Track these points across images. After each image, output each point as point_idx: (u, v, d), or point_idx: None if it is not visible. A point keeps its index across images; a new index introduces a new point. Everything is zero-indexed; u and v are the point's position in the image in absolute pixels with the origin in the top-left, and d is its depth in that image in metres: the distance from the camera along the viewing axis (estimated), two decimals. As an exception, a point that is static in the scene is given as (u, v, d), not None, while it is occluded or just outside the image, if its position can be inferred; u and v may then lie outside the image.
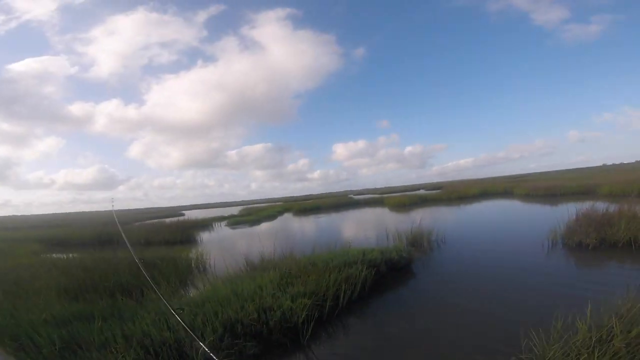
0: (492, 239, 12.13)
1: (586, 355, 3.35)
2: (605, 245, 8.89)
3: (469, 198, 33.11)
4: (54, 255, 13.18)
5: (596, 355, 3.30)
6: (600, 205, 10.90)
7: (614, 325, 3.59)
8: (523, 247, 9.92)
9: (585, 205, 11.07)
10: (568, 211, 10.76)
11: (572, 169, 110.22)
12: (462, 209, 25.06)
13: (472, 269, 8.25)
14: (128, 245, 8.03)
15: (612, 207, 10.55)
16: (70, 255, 11.62)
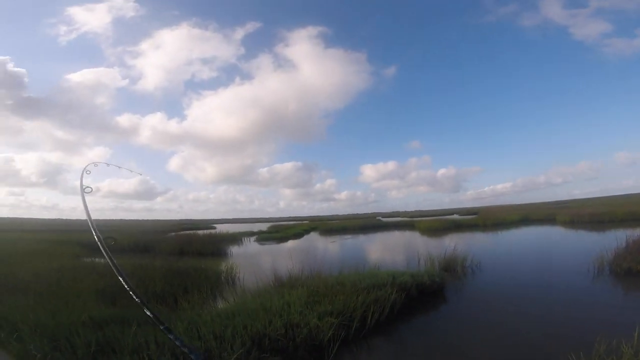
0: (532, 265, 11.50)
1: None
2: None
3: (507, 224, 31.47)
4: (94, 259, 13.94)
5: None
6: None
7: None
8: (565, 273, 9.40)
9: (635, 232, 10.36)
10: (616, 238, 10.11)
11: (622, 194, 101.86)
12: (499, 235, 23.88)
13: (509, 295, 7.87)
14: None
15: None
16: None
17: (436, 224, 32.54)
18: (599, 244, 11.03)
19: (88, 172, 3.24)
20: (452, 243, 12.60)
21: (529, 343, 5.12)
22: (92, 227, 2.49)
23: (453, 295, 8.23)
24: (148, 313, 1.84)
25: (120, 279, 2.10)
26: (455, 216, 51.62)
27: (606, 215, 26.72)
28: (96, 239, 2.38)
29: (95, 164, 3.46)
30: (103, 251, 2.32)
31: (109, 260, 2.26)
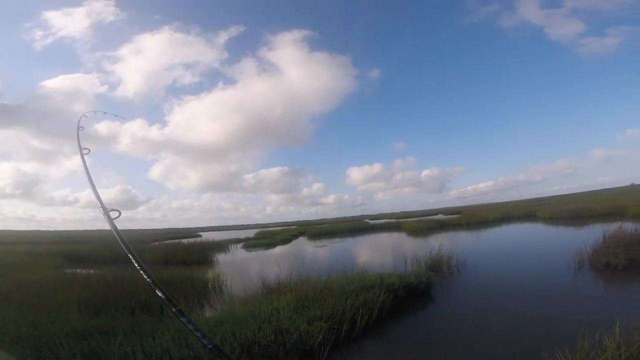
0: (515, 262, 11.82)
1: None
2: (635, 266, 8.62)
3: (489, 222, 32.19)
4: (76, 270, 13.53)
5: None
6: (629, 226, 10.58)
7: None
8: (548, 269, 9.69)
9: (612, 227, 10.77)
10: (594, 233, 10.50)
11: (598, 189, 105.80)
12: (483, 233, 24.40)
13: (494, 292, 8.06)
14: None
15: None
16: (92, 271, 11.92)
17: (421, 224, 32.98)
18: (578, 239, 11.41)
19: (82, 128, 3.12)
20: (438, 243, 12.79)
21: (515, 339, 5.24)
22: (97, 196, 2.41)
23: (440, 294, 8.36)
24: (159, 294, 1.80)
25: (130, 257, 2.02)
26: (440, 216, 52.47)
27: (584, 210, 27.75)
28: (101, 210, 2.30)
29: (94, 112, 3.29)
30: (109, 224, 2.23)
31: (115, 234, 2.17)
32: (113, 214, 2.37)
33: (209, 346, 1.58)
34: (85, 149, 2.89)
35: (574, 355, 3.71)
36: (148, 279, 1.86)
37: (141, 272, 1.92)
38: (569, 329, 5.03)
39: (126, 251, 2.08)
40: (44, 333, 5.06)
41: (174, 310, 1.72)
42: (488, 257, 13.14)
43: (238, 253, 23.95)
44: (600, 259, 9.12)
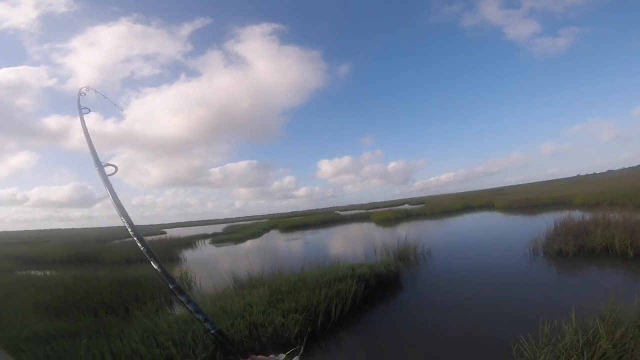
0: (476, 250, 12.40)
1: (576, 356, 3.49)
2: (584, 252, 9.30)
3: (451, 212, 33.69)
4: (30, 272, 12.57)
5: (585, 356, 3.44)
6: (577, 215, 11.46)
7: (599, 328, 3.75)
8: (505, 257, 10.23)
9: (562, 215, 11.63)
10: (546, 221, 11.24)
11: (548, 180, 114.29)
12: (445, 222, 25.47)
13: (458, 279, 8.44)
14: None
15: (588, 216, 11.12)
16: (48, 272, 11.13)
17: (389, 214, 33.84)
18: (532, 228, 12.22)
19: (83, 94, 2.84)
20: (405, 232, 13.20)
21: (479, 324, 5.51)
22: (93, 152, 2.10)
23: (408, 282, 8.64)
24: (154, 265, 1.62)
25: (123, 220, 1.81)
26: (406, 206, 54.16)
27: (536, 200, 29.80)
28: (95, 166, 2.00)
29: (95, 91, 3.02)
30: (103, 181, 1.94)
31: (109, 193, 1.92)
32: (108, 170, 2.04)
33: (212, 331, 1.48)
34: (85, 108, 2.62)
35: (536, 341, 3.93)
36: (142, 247, 1.69)
37: (135, 238, 1.74)
38: (528, 313, 5.29)
39: (120, 214, 1.86)
40: (1, 338, 4.71)
41: (171, 287, 1.56)
42: (451, 246, 13.73)
43: (206, 249, 23.34)
44: (553, 246, 9.69)
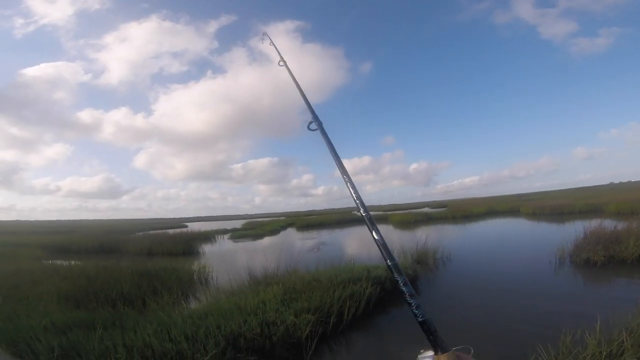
0: (499, 256, 11.97)
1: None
2: (614, 262, 8.81)
3: (474, 216, 32.78)
4: (56, 261, 13.15)
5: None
6: (608, 223, 10.84)
7: (625, 340, 3.53)
8: (529, 264, 9.82)
9: (592, 224, 11.01)
10: (575, 229, 10.71)
11: (579, 187, 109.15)
12: (467, 227, 24.81)
13: (478, 286, 8.13)
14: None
15: (620, 225, 10.50)
16: (73, 262, 11.59)
17: (408, 217, 33.35)
18: (559, 235, 11.67)
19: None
20: (424, 236, 12.89)
21: (497, 333, 5.28)
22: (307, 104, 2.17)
23: (425, 287, 8.42)
24: (375, 236, 1.57)
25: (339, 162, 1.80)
26: (427, 209, 53.10)
27: (565, 207, 28.43)
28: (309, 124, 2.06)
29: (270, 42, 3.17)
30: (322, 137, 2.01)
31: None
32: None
33: (420, 319, 1.41)
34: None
35: (557, 352, 3.74)
36: (364, 214, 1.64)
37: (358, 203, 1.72)
38: (551, 324, 5.10)
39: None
40: (20, 326, 4.88)
41: (389, 263, 1.48)
42: (472, 251, 13.33)
43: (225, 244, 23.73)
44: (581, 255, 9.26)
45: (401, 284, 1.40)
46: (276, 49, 2.86)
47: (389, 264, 1.42)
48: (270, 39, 3.13)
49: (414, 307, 1.36)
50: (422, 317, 1.40)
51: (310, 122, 2.09)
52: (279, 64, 2.75)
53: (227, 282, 8.23)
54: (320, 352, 5.06)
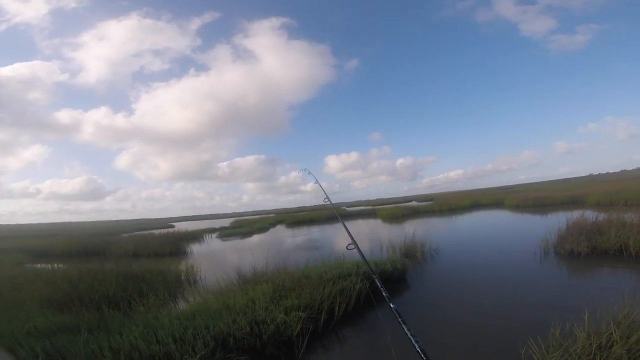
0: (485, 248, 12.14)
1: (588, 363, 3.32)
2: (597, 253, 9.02)
3: (460, 209, 33.31)
4: (38, 265, 12.75)
5: (599, 362, 3.27)
6: (590, 215, 11.12)
7: (613, 332, 3.59)
8: (515, 256, 9.98)
9: (574, 215, 11.29)
10: (558, 221, 10.95)
11: (560, 179, 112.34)
12: (454, 220, 25.17)
13: (466, 279, 8.22)
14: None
15: (601, 216, 10.79)
16: (55, 266, 11.24)
17: (396, 211, 33.59)
18: (543, 227, 11.90)
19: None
20: (412, 229, 13.02)
21: (486, 325, 5.35)
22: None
23: (414, 281, 8.48)
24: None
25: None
26: (414, 203, 53.76)
27: (548, 199, 29.20)
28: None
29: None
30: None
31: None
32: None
33: (417, 348, 1.42)
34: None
35: (547, 345, 3.79)
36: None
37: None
38: (539, 316, 5.18)
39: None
40: (2, 332, 4.73)
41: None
42: (459, 244, 13.51)
43: (213, 243, 23.46)
44: (565, 246, 9.43)
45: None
46: (320, 186, 3.09)
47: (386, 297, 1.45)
48: (316, 179, 3.35)
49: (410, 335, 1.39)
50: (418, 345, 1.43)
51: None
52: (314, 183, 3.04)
53: (215, 281, 8.11)
54: (312, 349, 5.03)
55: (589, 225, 10.00)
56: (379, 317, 6.18)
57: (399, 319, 1.46)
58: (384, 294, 1.45)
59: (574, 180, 76.40)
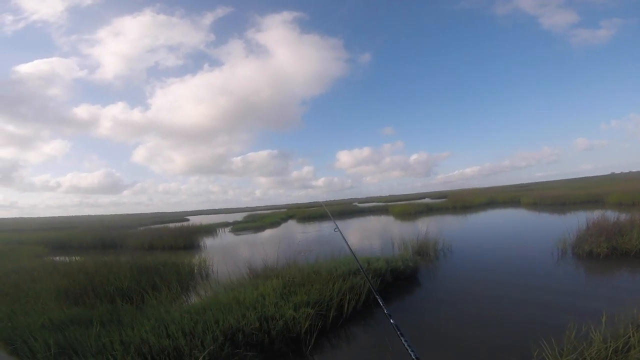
0: (500, 247, 11.88)
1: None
2: (617, 254, 8.70)
3: (475, 207, 32.73)
4: (56, 258, 13.15)
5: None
6: (611, 214, 10.71)
7: (631, 336, 3.44)
8: (531, 256, 9.70)
9: (594, 214, 10.90)
10: (577, 220, 10.59)
11: (580, 177, 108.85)
12: (468, 217, 24.74)
13: (479, 278, 8.04)
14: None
15: (623, 216, 10.38)
16: (73, 258, 11.57)
17: (409, 208, 33.27)
18: (561, 226, 11.55)
19: None
20: (424, 227, 12.82)
21: (500, 326, 5.23)
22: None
23: (426, 279, 8.36)
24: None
25: None
26: (427, 200, 53.09)
27: (567, 197, 28.32)
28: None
29: None
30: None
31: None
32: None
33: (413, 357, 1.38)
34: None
35: (561, 348, 3.67)
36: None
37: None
38: (554, 317, 5.05)
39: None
40: (18, 325, 4.86)
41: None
42: (473, 242, 13.26)
43: (226, 237, 23.74)
44: (583, 246, 9.13)
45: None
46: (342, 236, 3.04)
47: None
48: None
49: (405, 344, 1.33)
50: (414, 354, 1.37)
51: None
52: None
53: (226, 275, 8.19)
54: (320, 346, 5.01)
55: (609, 225, 9.61)
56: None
57: (391, 322, 1.42)
58: (373, 291, 1.41)
59: (594, 179, 73.96)
